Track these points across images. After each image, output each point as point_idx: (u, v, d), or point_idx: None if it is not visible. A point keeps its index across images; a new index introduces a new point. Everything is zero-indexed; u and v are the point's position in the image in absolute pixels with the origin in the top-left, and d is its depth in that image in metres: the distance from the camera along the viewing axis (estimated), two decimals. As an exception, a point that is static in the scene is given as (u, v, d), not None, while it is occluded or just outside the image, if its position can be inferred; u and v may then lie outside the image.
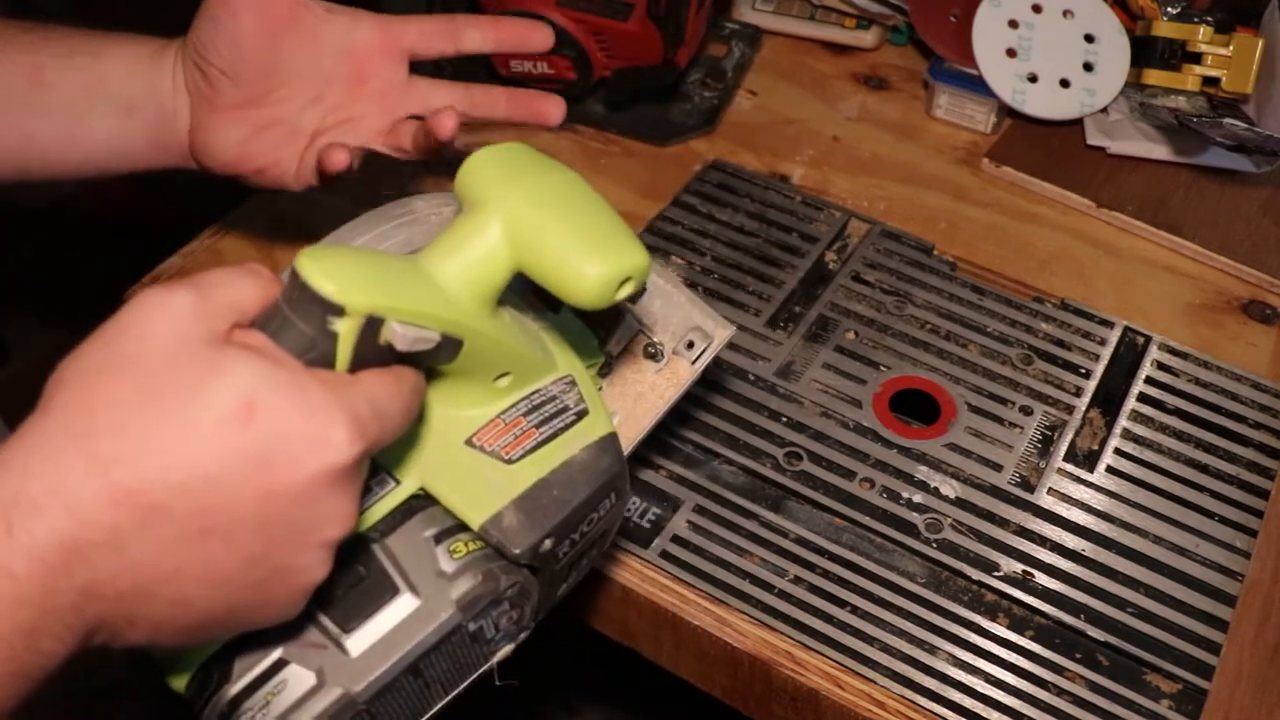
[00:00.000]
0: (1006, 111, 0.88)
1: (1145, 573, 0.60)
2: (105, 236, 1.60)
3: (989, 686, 0.56)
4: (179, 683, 0.40)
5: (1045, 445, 0.66)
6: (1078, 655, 0.57)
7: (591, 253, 0.39)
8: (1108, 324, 0.73)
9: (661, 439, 0.65)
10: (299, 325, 0.35)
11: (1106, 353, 0.71)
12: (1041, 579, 0.60)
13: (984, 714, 0.55)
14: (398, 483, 0.42)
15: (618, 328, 0.52)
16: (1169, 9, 0.82)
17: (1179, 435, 0.67)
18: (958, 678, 0.56)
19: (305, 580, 0.36)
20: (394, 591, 0.40)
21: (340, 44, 0.59)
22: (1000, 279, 0.77)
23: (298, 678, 0.39)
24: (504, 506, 0.42)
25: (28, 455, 0.33)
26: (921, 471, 0.64)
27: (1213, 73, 0.80)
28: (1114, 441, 0.66)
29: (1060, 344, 0.72)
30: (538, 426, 0.44)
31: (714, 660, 0.60)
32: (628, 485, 0.46)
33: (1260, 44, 0.79)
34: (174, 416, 0.33)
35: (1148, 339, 0.72)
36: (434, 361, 0.39)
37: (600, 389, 0.52)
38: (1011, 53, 0.86)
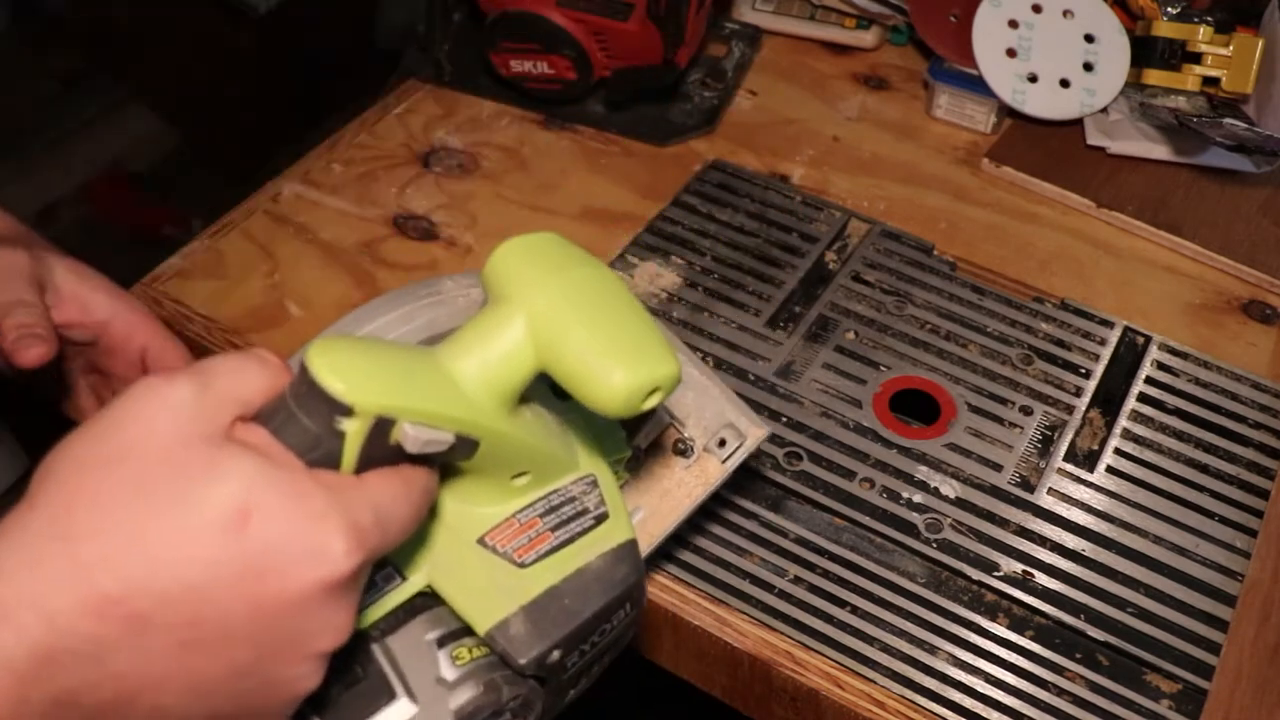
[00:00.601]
0: (1006, 111, 0.88)
1: (1145, 573, 0.60)
2: (104, 237, 1.60)
3: (989, 686, 0.56)
4: None
5: (1045, 445, 0.66)
6: (1078, 655, 0.57)
7: (619, 360, 0.37)
8: (1108, 324, 0.73)
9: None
10: (304, 422, 0.33)
11: (1106, 353, 0.71)
12: (1041, 579, 0.60)
13: (984, 714, 0.55)
14: (403, 579, 0.40)
15: (647, 421, 0.50)
16: (1169, 9, 0.82)
17: (1179, 435, 0.67)
18: (958, 678, 0.56)
19: (294, 691, 0.35)
20: (390, 696, 0.39)
21: (100, 322, 0.56)
22: (1000, 279, 0.77)
23: None
24: (512, 613, 0.40)
25: (3, 555, 0.31)
26: (921, 471, 0.64)
27: (1213, 73, 0.80)
28: (1114, 441, 0.66)
29: (1060, 344, 0.72)
30: (554, 529, 0.42)
31: (714, 660, 0.60)
32: (644, 595, 0.44)
33: (1260, 44, 0.79)
34: (164, 519, 0.31)
35: (1148, 339, 0.72)
36: (448, 460, 0.37)
37: (624, 482, 0.50)
38: (1011, 53, 0.86)
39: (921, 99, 0.91)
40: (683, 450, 0.52)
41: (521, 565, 0.41)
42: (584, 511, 0.43)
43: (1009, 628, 0.58)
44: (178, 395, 0.33)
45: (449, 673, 0.39)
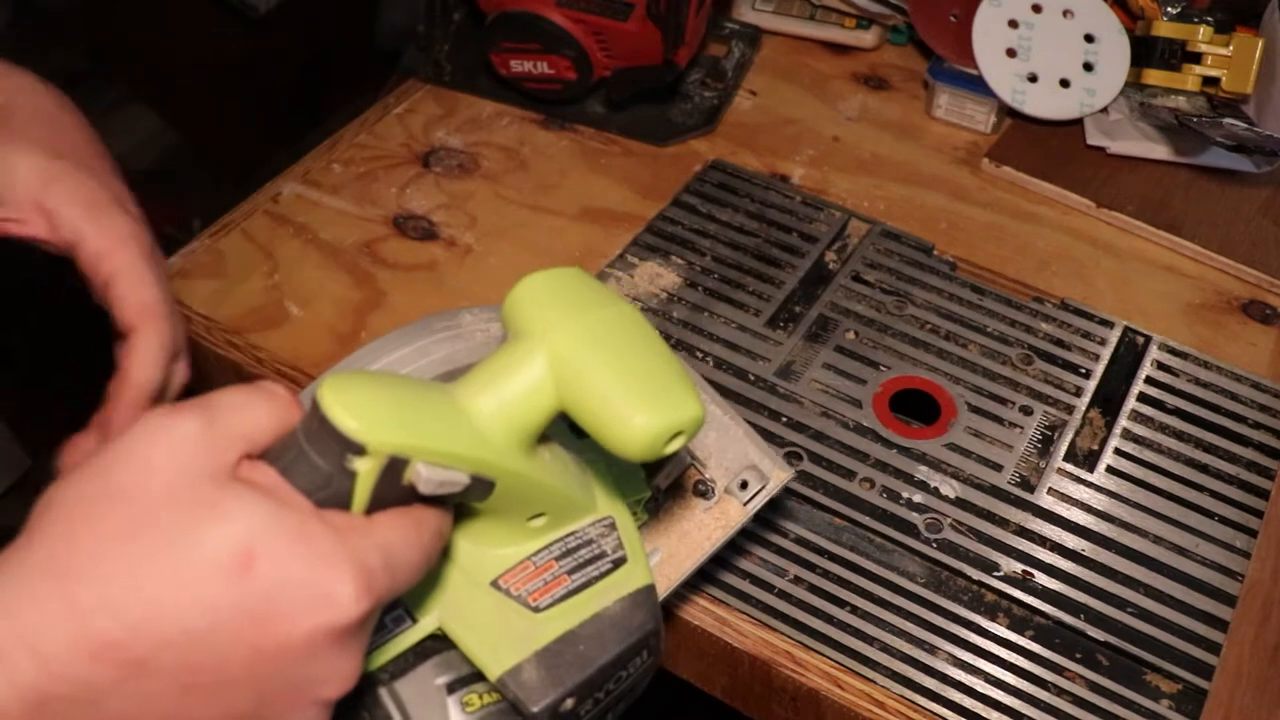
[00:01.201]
0: (1006, 111, 0.88)
1: (1145, 573, 0.60)
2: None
3: (989, 686, 0.56)
4: None
5: (1045, 445, 0.66)
6: (1078, 655, 0.57)
7: (642, 402, 0.36)
8: (1108, 324, 0.73)
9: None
10: (315, 460, 0.32)
11: (1106, 353, 0.71)
12: (1041, 579, 0.60)
13: (984, 714, 0.55)
14: (414, 620, 0.39)
15: (668, 462, 0.49)
16: (1169, 9, 0.82)
17: (1179, 435, 0.67)
18: (958, 678, 0.56)
19: None
20: None
21: None
22: (1000, 279, 0.77)
23: None
24: (525, 659, 0.39)
25: (1, 593, 0.30)
26: (921, 471, 0.64)
27: (1213, 73, 0.80)
28: (1114, 441, 0.66)
29: (1060, 344, 0.72)
30: (570, 573, 0.41)
31: (714, 660, 0.60)
32: (662, 643, 0.43)
33: (1260, 44, 0.79)
34: (165, 561, 0.30)
35: (1148, 339, 0.72)
36: (462, 501, 0.37)
37: (643, 523, 0.49)
38: (1011, 53, 0.86)
39: (921, 99, 0.91)
40: (703, 491, 0.51)
41: (536, 609, 0.40)
42: (601, 555, 0.42)
43: (1009, 628, 0.58)
44: (182, 431, 0.32)
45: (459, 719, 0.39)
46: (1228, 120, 0.78)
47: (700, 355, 0.70)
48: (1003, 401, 0.68)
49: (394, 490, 0.33)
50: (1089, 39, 0.84)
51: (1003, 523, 0.62)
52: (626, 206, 0.81)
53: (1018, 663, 0.57)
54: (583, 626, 0.40)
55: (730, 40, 0.94)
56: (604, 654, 0.40)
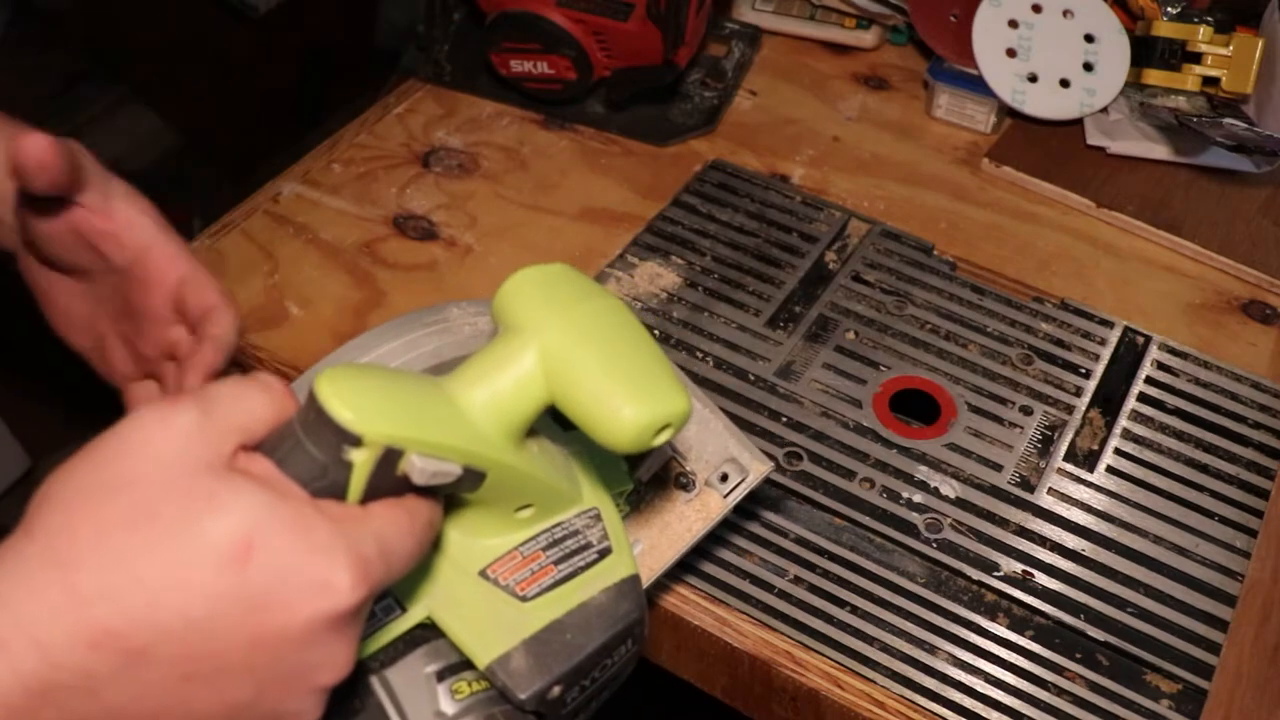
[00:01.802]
0: (1006, 111, 0.88)
1: (1145, 573, 0.60)
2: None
3: (989, 686, 0.56)
4: None
5: (1045, 445, 0.66)
6: (1078, 655, 0.57)
7: (630, 395, 0.37)
8: (1108, 324, 0.73)
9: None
10: (311, 451, 0.33)
11: (1106, 353, 0.71)
12: (1041, 579, 0.60)
13: (984, 714, 0.55)
14: (403, 610, 0.40)
15: (651, 455, 0.50)
16: (1169, 9, 0.82)
17: (1179, 435, 0.67)
18: (958, 678, 0.56)
19: None
20: None
21: (129, 262, 0.54)
22: (1000, 279, 0.77)
23: None
24: (513, 647, 0.40)
25: (0, 583, 0.30)
26: (921, 471, 0.64)
27: (1213, 73, 0.80)
28: (1114, 441, 0.66)
29: (1060, 344, 0.72)
30: (557, 563, 0.42)
31: (714, 660, 0.60)
32: (646, 630, 0.44)
33: (1260, 44, 0.79)
34: (165, 551, 0.30)
35: (1148, 339, 0.72)
36: (453, 492, 0.37)
37: (625, 515, 0.50)
38: (1011, 53, 0.86)
39: (921, 99, 0.91)
40: (684, 484, 0.52)
41: (523, 599, 0.41)
42: (587, 545, 0.43)
43: (1009, 628, 0.58)
44: (180, 422, 0.32)
45: (448, 707, 0.39)
46: (1228, 120, 0.78)
47: (700, 355, 0.70)
48: (1003, 401, 0.68)
49: (388, 481, 0.34)
50: (1089, 39, 0.84)
51: (1003, 523, 0.62)
52: (626, 206, 0.81)
53: (1018, 663, 0.57)
54: (569, 616, 0.41)
55: (730, 40, 0.94)
56: (590, 643, 0.41)
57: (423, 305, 0.73)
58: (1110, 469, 0.65)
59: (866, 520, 0.62)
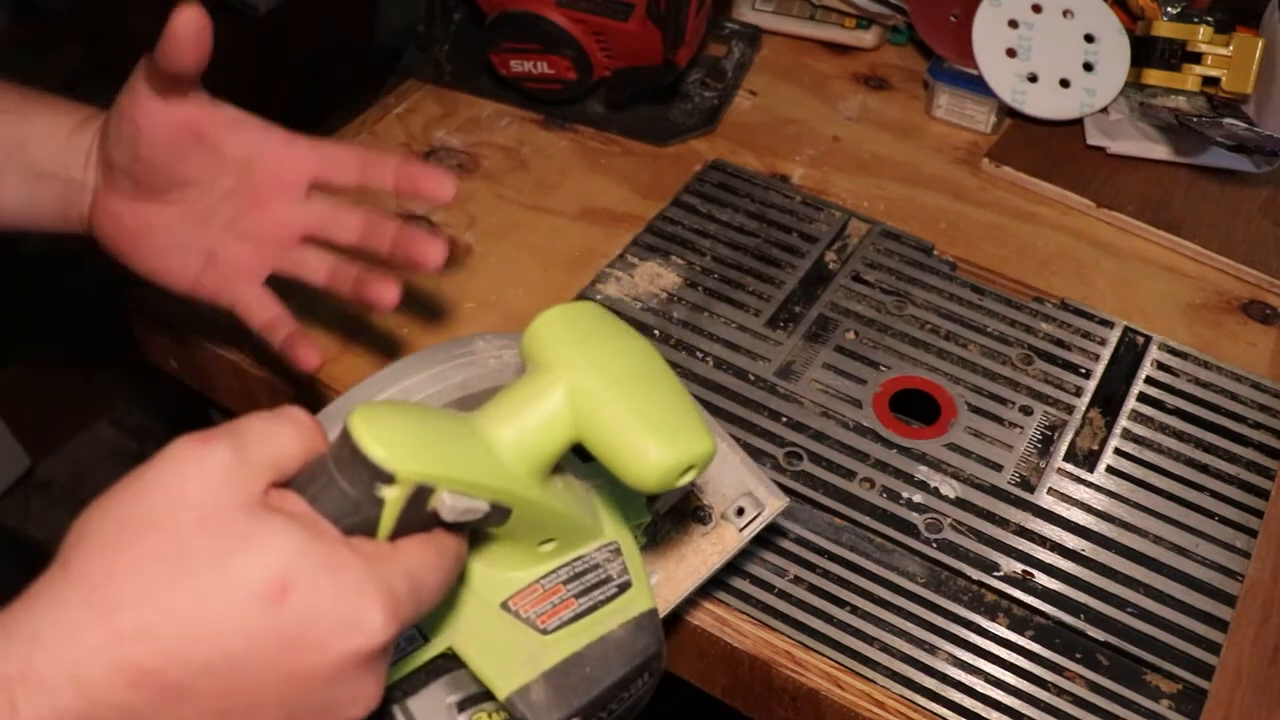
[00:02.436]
0: (1006, 111, 0.88)
1: (1145, 573, 0.60)
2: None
3: (989, 686, 0.56)
4: None
5: (1045, 445, 0.66)
6: (1078, 655, 0.57)
7: (657, 437, 0.37)
8: (1108, 324, 0.73)
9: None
10: (344, 488, 0.34)
11: (1106, 353, 0.71)
12: (1041, 579, 0.60)
13: (984, 714, 0.55)
14: (426, 640, 0.41)
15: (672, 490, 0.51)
16: (1169, 9, 0.82)
17: (1179, 435, 0.67)
18: (958, 678, 0.56)
19: None
20: None
21: (242, 161, 0.56)
22: (1000, 279, 0.77)
23: None
24: (533, 679, 0.40)
25: (40, 620, 0.31)
26: (921, 471, 0.64)
27: (1213, 73, 0.80)
28: (1114, 441, 0.66)
29: (1060, 344, 0.72)
30: (577, 596, 0.42)
31: (714, 660, 0.60)
32: (663, 664, 0.45)
33: (1260, 44, 0.79)
34: (203, 589, 0.31)
35: (1148, 339, 0.72)
36: (480, 527, 0.38)
37: (642, 545, 0.50)
38: (1011, 53, 0.86)
39: (921, 99, 0.91)
40: (701, 517, 0.52)
41: (544, 631, 0.41)
42: (607, 579, 0.43)
43: (1009, 628, 0.58)
44: (213, 460, 0.33)
45: None
46: (1228, 120, 0.78)
47: (700, 355, 0.70)
48: (1003, 401, 0.68)
49: (418, 517, 0.35)
50: (1089, 39, 0.84)
51: (1003, 523, 0.62)
52: (626, 206, 0.81)
53: (1018, 663, 0.57)
54: (589, 649, 0.42)
55: (730, 40, 0.94)
56: (609, 676, 0.42)
57: (422, 305, 0.73)
58: (1110, 469, 0.65)
59: (866, 520, 0.62)
